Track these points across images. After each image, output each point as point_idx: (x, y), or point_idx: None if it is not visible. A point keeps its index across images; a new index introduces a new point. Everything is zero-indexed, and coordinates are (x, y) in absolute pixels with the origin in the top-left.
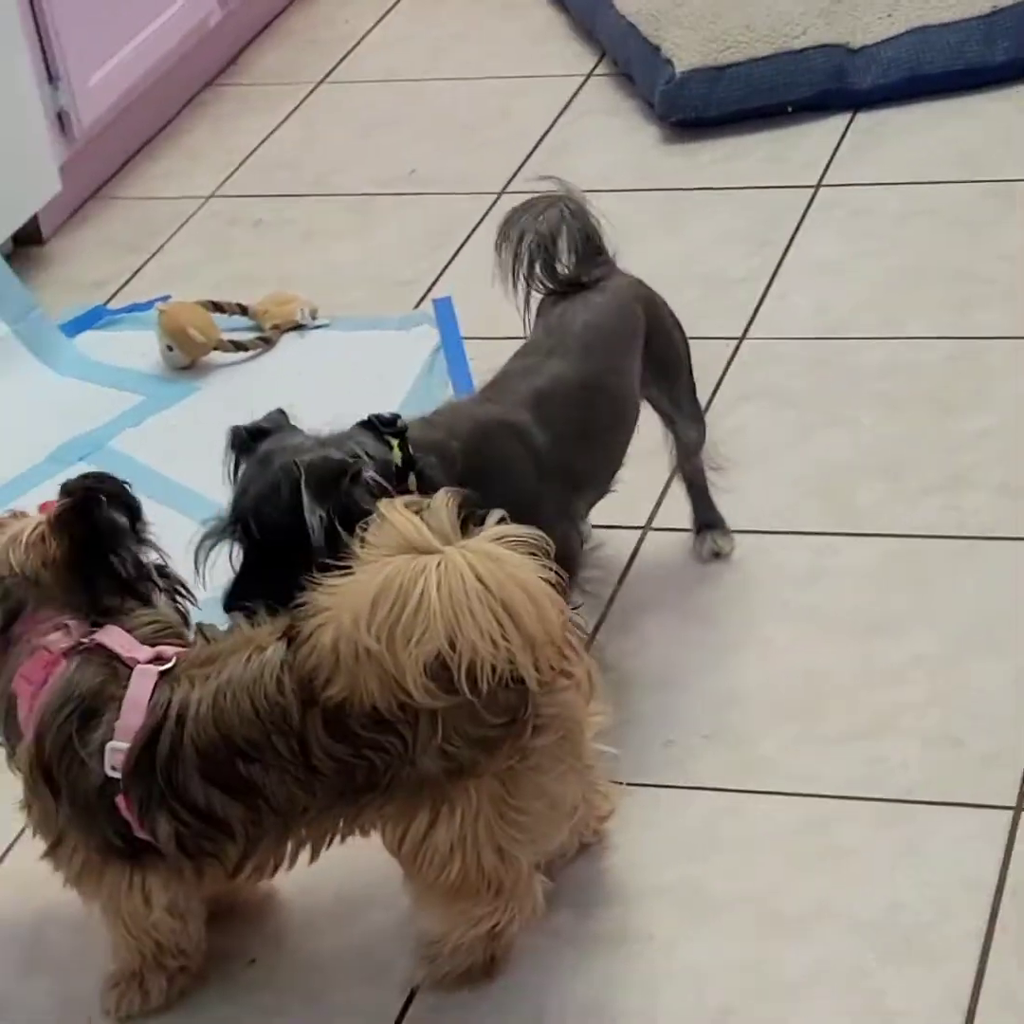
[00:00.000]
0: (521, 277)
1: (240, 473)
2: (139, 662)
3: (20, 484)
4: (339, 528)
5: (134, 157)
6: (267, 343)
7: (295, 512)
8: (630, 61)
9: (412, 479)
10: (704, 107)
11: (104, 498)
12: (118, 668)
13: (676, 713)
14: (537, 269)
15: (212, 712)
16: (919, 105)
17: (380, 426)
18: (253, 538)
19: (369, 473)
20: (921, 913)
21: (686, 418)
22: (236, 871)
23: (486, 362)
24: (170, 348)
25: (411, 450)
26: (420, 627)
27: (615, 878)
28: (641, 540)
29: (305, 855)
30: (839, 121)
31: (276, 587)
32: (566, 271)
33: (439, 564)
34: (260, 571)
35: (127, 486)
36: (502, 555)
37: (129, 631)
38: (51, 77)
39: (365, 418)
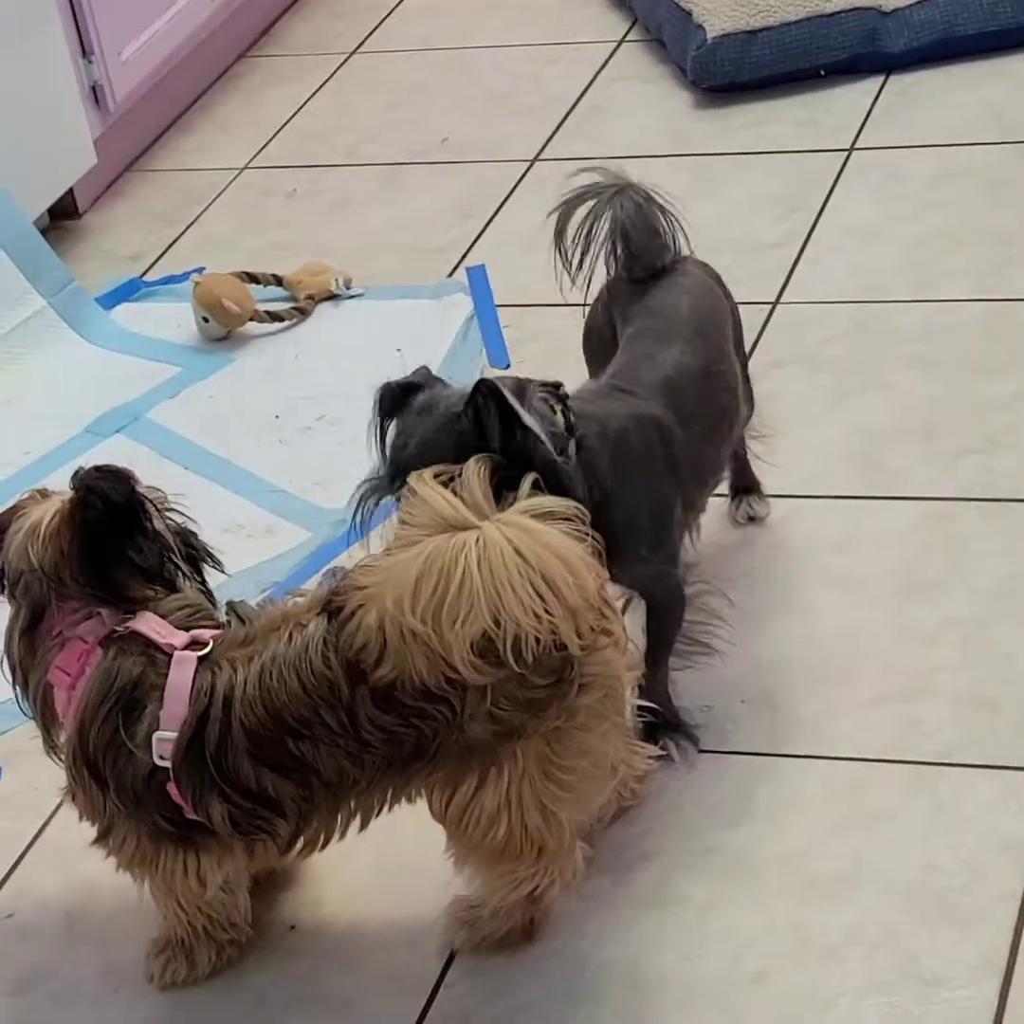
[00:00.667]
0: (593, 263)
1: (395, 427)
2: (176, 648)
3: (58, 457)
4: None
5: (168, 130)
6: (302, 313)
7: (463, 457)
8: (662, 27)
9: (572, 447)
10: (736, 72)
11: (109, 492)
12: (155, 656)
13: (714, 678)
14: (619, 253)
15: (259, 692)
16: (952, 67)
17: (543, 389)
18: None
19: (540, 394)
20: (956, 875)
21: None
22: (288, 847)
23: (519, 330)
24: (206, 319)
25: (573, 419)
26: (465, 607)
27: (652, 843)
28: None
29: (355, 825)
30: (872, 84)
31: None
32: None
33: (477, 540)
34: None
35: (131, 478)
36: (536, 527)
37: (162, 617)
38: (85, 51)
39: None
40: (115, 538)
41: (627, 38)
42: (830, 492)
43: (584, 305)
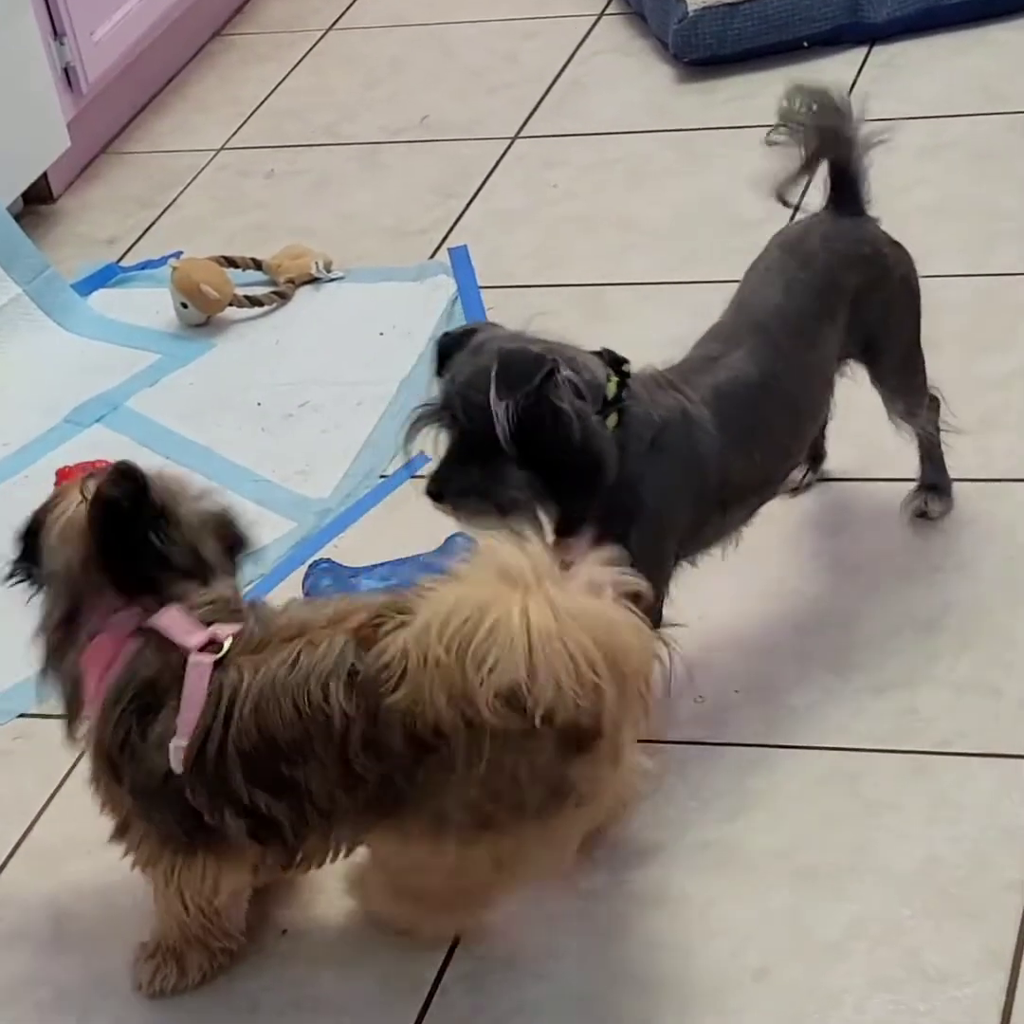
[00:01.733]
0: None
1: (451, 364)
2: (191, 649)
3: (37, 448)
4: (529, 422)
5: (142, 111)
6: (282, 297)
7: (497, 407)
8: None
9: (613, 418)
10: (718, 45)
11: (119, 497)
12: (173, 655)
13: (706, 667)
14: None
15: (255, 716)
16: (936, 37)
17: (610, 358)
18: (460, 425)
19: (566, 373)
20: (958, 867)
21: (891, 391)
22: (287, 864)
23: (503, 311)
24: (184, 305)
25: (625, 394)
26: (494, 653)
27: (648, 837)
28: None
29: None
30: (855, 55)
31: (479, 478)
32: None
33: (526, 594)
34: (464, 460)
35: (142, 477)
36: (598, 604)
37: (190, 609)
38: (56, 32)
39: (598, 349)
40: (134, 537)
41: (607, 11)
42: (825, 474)
43: (566, 286)
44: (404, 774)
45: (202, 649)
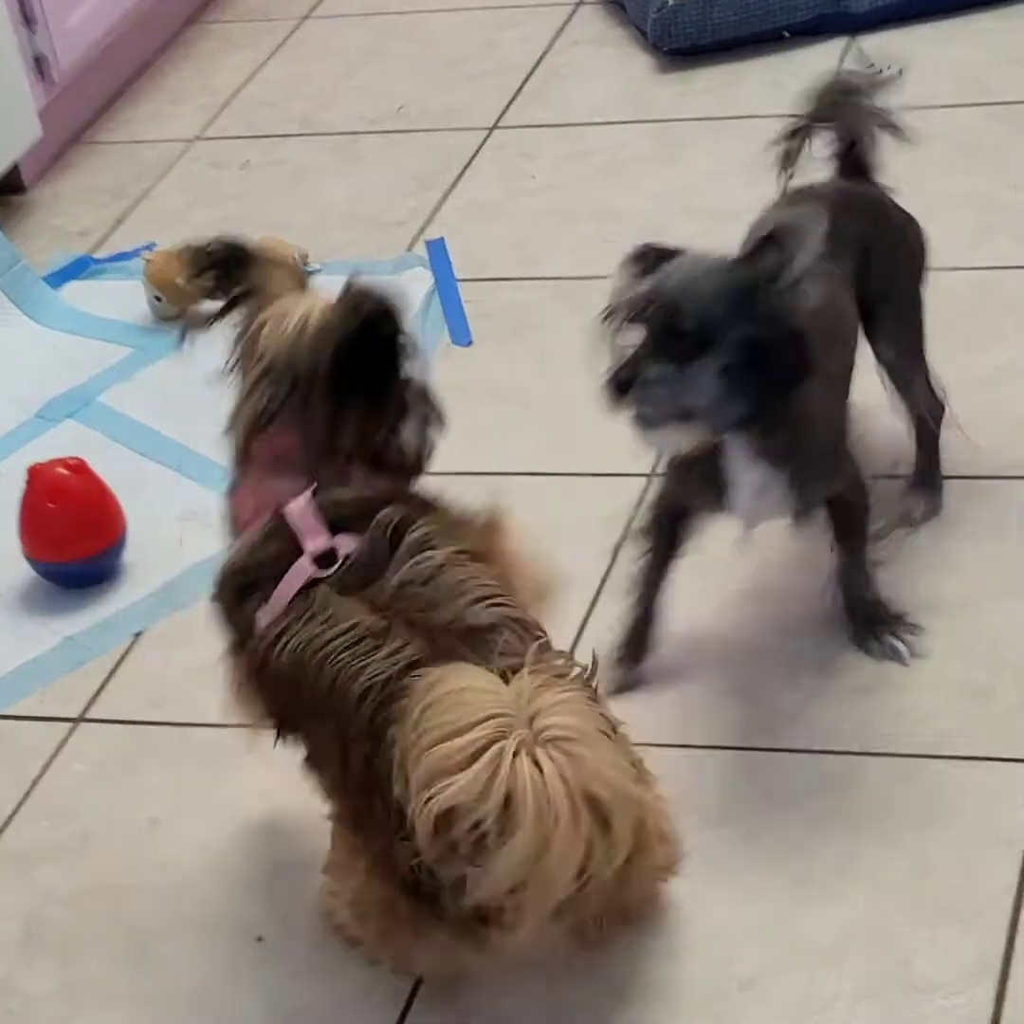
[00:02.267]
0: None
1: (663, 267)
2: (306, 553)
3: (8, 443)
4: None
5: (115, 100)
6: None
7: (715, 308)
8: None
9: None
10: (698, 34)
11: (384, 303)
12: (289, 549)
13: (690, 668)
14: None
15: (292, 656)
16: (919, 27)
17: None
18: (661, 323)
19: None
20: (949, 873)
21: (887, 351)
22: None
23: (481, 304)
24: (158, 298)
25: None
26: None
27: None
28: (647, 487)
29: None
30: (836, 46)
31: (672, 377)
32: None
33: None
34: (658, 358)
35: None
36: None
37: (330, 503)
38: (28, 20)
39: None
40: (378, 354)
41: (585, 0)
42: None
43: (545, 279)
44: (371, 805)
45: (317, 558)
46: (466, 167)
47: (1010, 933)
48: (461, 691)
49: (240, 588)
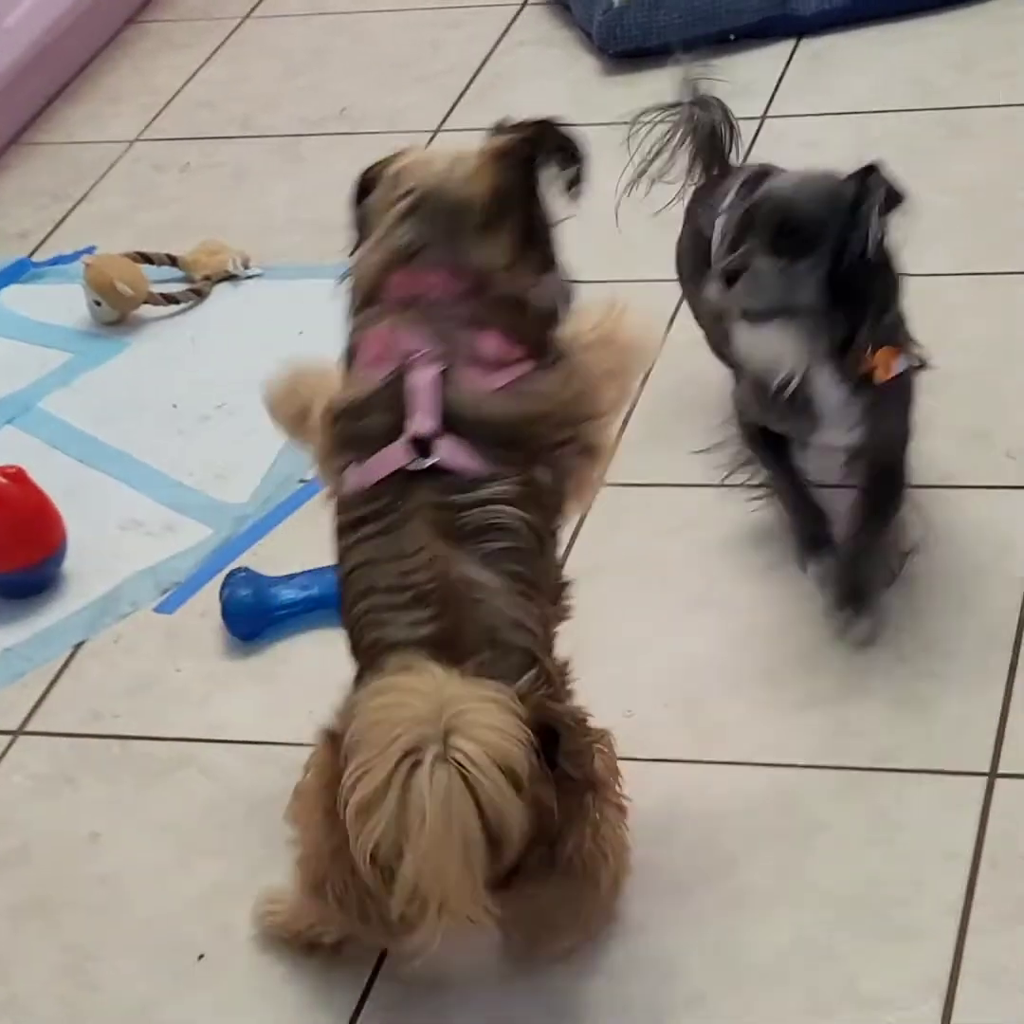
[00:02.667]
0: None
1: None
2: (408, 432)
3: None
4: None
5: (54, 101)
6: (199, 295)
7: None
8: None
9: None
10: (644, 37)
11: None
12: (395, 418)
13: (633, 680)
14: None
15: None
16: (866, 30)
17: None
18: (775, 224)
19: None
20: (896, 888)
21: None
22: None
23: None
24: (98, 303)
25: None
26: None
27: None
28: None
29: None
30: (783, 49)
31: (782, 273)
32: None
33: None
34: (765, 254)
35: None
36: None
37: (455, 394)
38: None
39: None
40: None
41: (529, 1)
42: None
43: None
44: None
45: (413, 440)
46: None
47: (957, 948)
48: (386, 708)
49: (343, 431)
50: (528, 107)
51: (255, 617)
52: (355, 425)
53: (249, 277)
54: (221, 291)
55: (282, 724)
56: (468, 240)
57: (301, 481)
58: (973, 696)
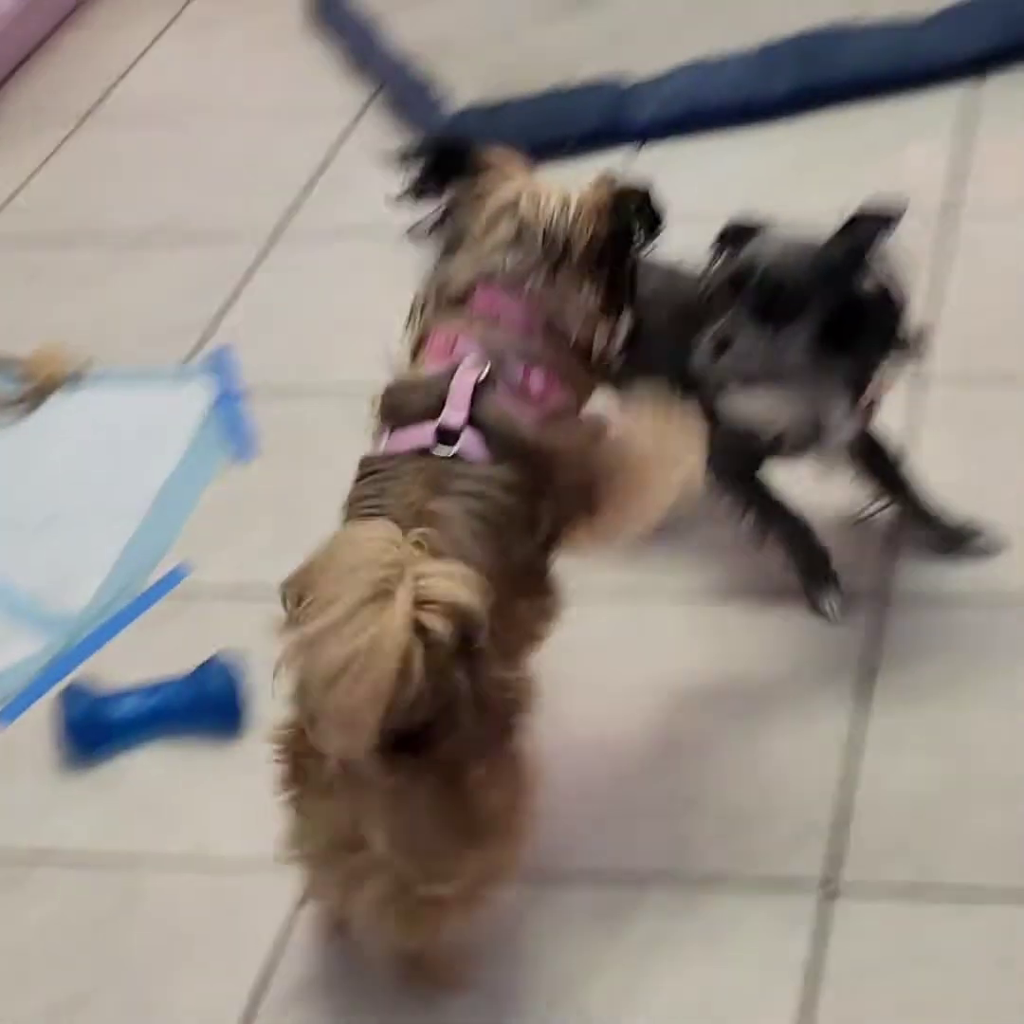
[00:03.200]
0: None
1: (754, 241)
2: (438, 421)
3: None
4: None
5: None
6: (33, 401)
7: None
8: (404, 95)
9: None
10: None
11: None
12: (437, 405)
13: None
14: None
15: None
16: (701, 138)
17: None
18: (758, 291)
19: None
20: (732, 1005)
21: None
22: None
23: (264, 417)
24: None
25: None
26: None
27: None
28: None
29: None
30: (622, 154)
31: (768, 340)
32: None
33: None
34: (754, 322)
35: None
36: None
37: (491, 406)
38: None
39: None
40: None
41: (369, 107)
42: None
43: (331, 392)
44: None
45: (440, 429)
46: (249, 275)
47: None
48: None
49: (388, 402)
50: (367, 214)
51: (90, 734)
52: (399, 401)
53: (86, 383)
54: (57, 398)
55: (120, 839)
56: (558, 279)
57: (139, 592)
58: (805, 807)
